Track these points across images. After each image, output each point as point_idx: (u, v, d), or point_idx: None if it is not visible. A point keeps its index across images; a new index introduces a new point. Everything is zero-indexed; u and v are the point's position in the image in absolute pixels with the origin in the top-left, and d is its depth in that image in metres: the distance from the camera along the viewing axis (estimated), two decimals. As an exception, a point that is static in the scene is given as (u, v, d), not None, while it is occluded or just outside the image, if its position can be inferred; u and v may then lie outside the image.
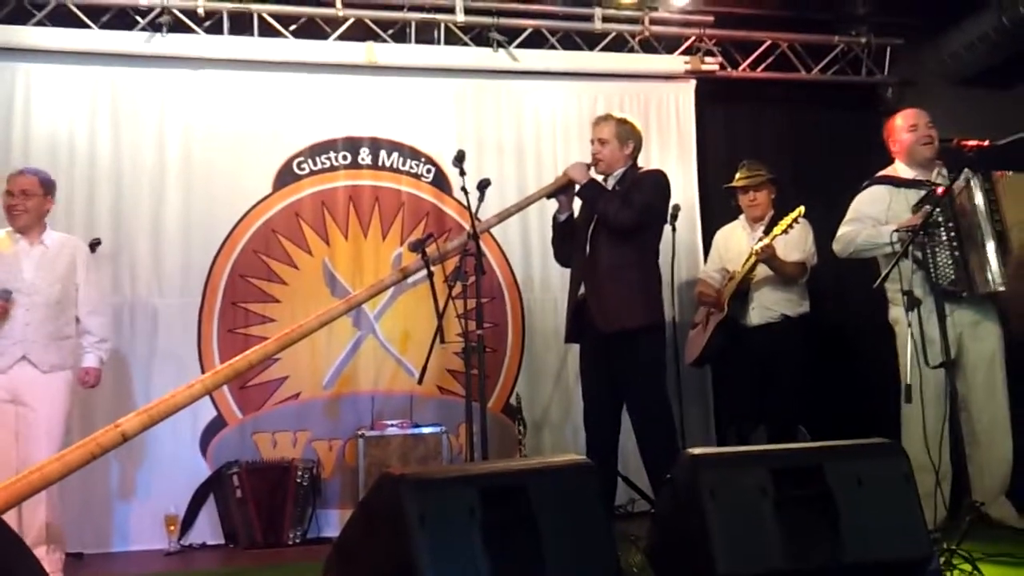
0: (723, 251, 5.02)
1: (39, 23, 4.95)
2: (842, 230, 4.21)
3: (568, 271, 4.41)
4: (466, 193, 3.64)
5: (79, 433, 4.65)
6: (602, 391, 4.13)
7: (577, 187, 4.16)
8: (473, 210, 3.78)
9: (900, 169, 4.23)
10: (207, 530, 4.83)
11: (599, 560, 2.42)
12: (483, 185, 3.95)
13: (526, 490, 2.37)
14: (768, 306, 4.74)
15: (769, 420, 4.62)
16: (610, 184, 4.24)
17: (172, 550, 4.67)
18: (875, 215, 4.13)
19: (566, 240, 4.29)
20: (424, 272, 3.63)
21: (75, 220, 4.88)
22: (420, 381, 4.07)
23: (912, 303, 3.84)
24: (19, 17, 4.94)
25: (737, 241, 4.96)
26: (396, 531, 2.15)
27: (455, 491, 2.26)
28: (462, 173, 3.73)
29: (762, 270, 4.70)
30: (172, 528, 4.71)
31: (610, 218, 4.05)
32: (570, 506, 2.42)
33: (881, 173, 4.25)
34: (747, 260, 4.69)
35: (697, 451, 2.54)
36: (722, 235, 5.12)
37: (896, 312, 4.06)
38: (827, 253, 4.48)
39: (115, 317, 4.81)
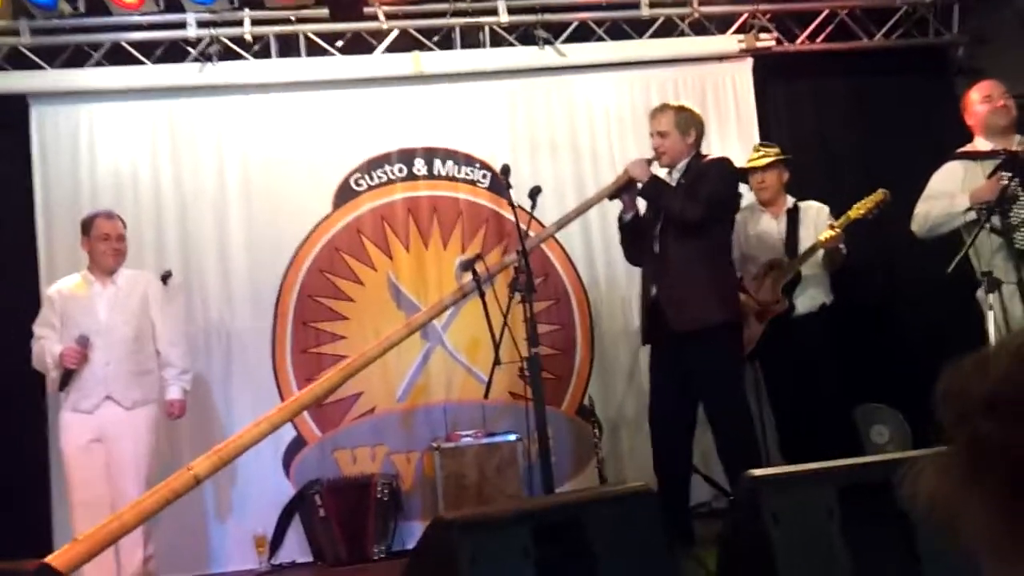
0: (743, 239, 4.74)
1: (97, 64, 5.08)
2: (917, 209, 4.12)
3: (636, 268, 4.32)
4: (514, 208, 3.59)
5: (169, 460, 4.81)
6: (671, 388, 4.03)
7: (639, 186, 4.04)
8: (523, 227, 3.73)
9: (978, 143, 4.11)
10: (295, 548, 4.93)
11: (663, 591, 2.37)
12: (534, 193, 3.90)
13: (582, 524, 2.32)
14: (812, 295, 4.58)
15: (825, 411, 4.45)
16: (675, 177, 4.11)
17: (262, 570, 4.79)
18: (949, 190, 4.02)
19: (635, 240, 4.17)
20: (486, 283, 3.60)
21: (145, 253, 4.99)
22: (486, 396, 4.07)
23: (992, 284, 3.69)
24: (77, 59, 5.08)
25: (762, 227, 4.73)
26: (449, 577, 2.13)
27: (507, 531, 2.23)
28: (508, 187, 3.68)
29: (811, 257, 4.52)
30: (261, 548, 4.83)
31: (676, 215, 3.93)
32: (630, 538, 2.37)
33: (959, 150, 4.14)
34: (810, 247, 4.50)
35: (758, 472, 2.46)
36: (741, 220, 4.92)
37: (981, 291, 3.89)
38: (907, 231, 4.33)
39: (191, 344, 4.95)
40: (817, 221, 4.58)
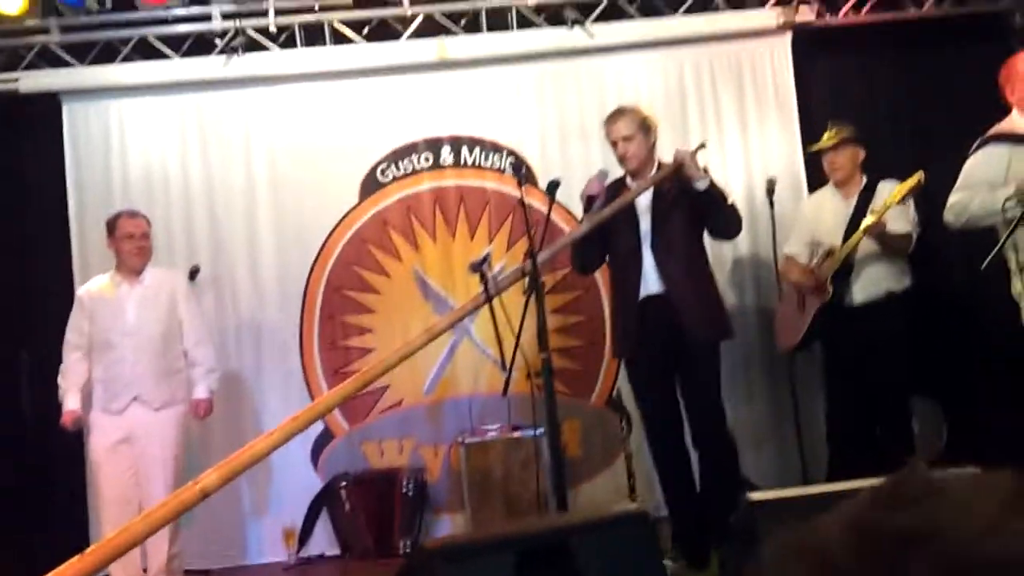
0: (813, 223, 4.51)
1: (125, 59, 5.07)
2: (953, 198, 3.68)
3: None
4: (526, 214, 3.47)
5: (201, 456, 4.84)
6: (668, 403, 3.90)
7: (701, 187, 3.74)
8: (544, 216, 3.59)
9: (1019, 122, 3.69)
10: (324, 541, 4.93)
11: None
12: (553, 187, 3.76)
13: (570, 551, 2.23)
14: (873, 282, 4.30)
15: (880, 404, 4.25)
16: (644, 187, 3.90)
17: (291, 563, 4.81)
18: (991, 178, 3.60)
19: (590, 245, 3.87)
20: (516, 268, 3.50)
21: (176, 248, 5.01)
22: (504, 393, 3.97)
23: (1033, 280, 3.45)
24: (106, 56, 5.08)
25: (830, 210, 4.45)
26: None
27: (489, 561, 2.15)
28: (522, 183, 3.57)
29: (866, 243, 4.27)
30: (290, 541, 4.85)
31: (731, 229, 3.85)
32: (622, 565, 2.27)
33: (996, 129, 3.70)
34: (854, 236, 4.26)
35: (758, 496, 2.33)
36: (811, 205, 4.65)
37: (1019, 285, 3.62)
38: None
39: (222, 338, 4.95)
40: (898, 206, 4.21)
